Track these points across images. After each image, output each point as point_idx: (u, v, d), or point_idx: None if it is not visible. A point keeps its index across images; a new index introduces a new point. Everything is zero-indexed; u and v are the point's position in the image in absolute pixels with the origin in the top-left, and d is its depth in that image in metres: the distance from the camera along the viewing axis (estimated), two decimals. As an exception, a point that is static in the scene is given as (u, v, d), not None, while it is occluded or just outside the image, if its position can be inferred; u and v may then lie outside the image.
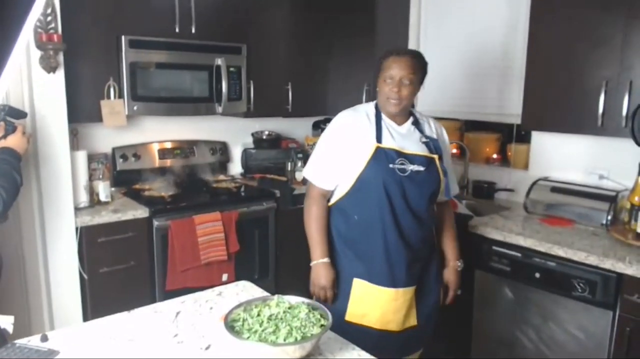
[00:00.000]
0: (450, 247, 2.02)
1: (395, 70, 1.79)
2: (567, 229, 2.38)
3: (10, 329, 1.40)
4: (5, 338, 1.29)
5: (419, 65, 1.83)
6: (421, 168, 1.82)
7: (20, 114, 1.98)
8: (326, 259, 1.87)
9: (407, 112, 1.91)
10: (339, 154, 1.86)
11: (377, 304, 1.82)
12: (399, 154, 1.81)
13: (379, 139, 1.82)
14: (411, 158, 1.82)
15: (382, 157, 1.80)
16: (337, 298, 1.89)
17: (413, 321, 1.88)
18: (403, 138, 1.86)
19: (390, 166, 1.79)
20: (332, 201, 1.93)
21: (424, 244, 1.89)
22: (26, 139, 1.92)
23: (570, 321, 2.16)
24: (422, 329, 1.92)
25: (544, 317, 2.24)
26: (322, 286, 1.86)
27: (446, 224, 2.03)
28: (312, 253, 1.91)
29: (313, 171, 1.93)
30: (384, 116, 1.88)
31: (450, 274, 2.01)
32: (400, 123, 1.89)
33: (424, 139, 1.88)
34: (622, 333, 1.99)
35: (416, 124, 1.91)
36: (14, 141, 1.86)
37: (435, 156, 1.86)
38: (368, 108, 1.92)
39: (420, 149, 1.86)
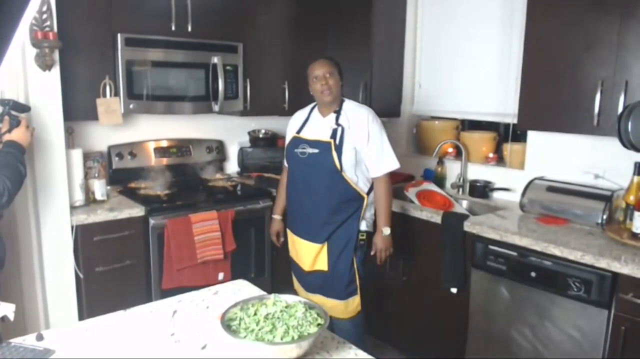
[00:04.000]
0: (378, 217, 2.38)
1: (318, 71, 2.31)
2: (562, 228, 2.39)
3: (11, 316, 1.39)
4: (0, 338, 1.28)
5: (333, 63, 2.34)
6: (316, 150, 2.29)
7: (24, 108, 2.07)
8: (275, 216, 2.66)
9: (337, 103, 2.34)
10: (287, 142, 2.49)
11: (294, 247, 2.49)
12: (302, 140, 2.36)
13: (299, 130, 2.41)
14: (311, 143, 2.33)
15: (293, 144, 2.40)
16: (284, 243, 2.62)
17: (322, 266, 2.37)
18: (318, 127, 2.35)
19: (295, 150, 2.37)
20: None
21: (328, 211, 2.30)
22: (30, 133, 2.02)
23: (565, 320, 2.16)
24: (332, 276, 2.36)
25: (540, 316, 2.24)
26: (271, 232, 2.68)
27: (376, 197, 2.37)
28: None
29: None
30: (315, 111, 2.42)
31: (376, 238, 2.38)
32: (325, 115, 2.36)
33: (334, 127, 2.29)
34: (617, 331, 2.00)
35: (338, 113, 2.33)
36: (18, 134, 1.95)
37: (331, 140, 2.27)
38: (310, 107, 2.47)
39: (323, 136, 2.29)
